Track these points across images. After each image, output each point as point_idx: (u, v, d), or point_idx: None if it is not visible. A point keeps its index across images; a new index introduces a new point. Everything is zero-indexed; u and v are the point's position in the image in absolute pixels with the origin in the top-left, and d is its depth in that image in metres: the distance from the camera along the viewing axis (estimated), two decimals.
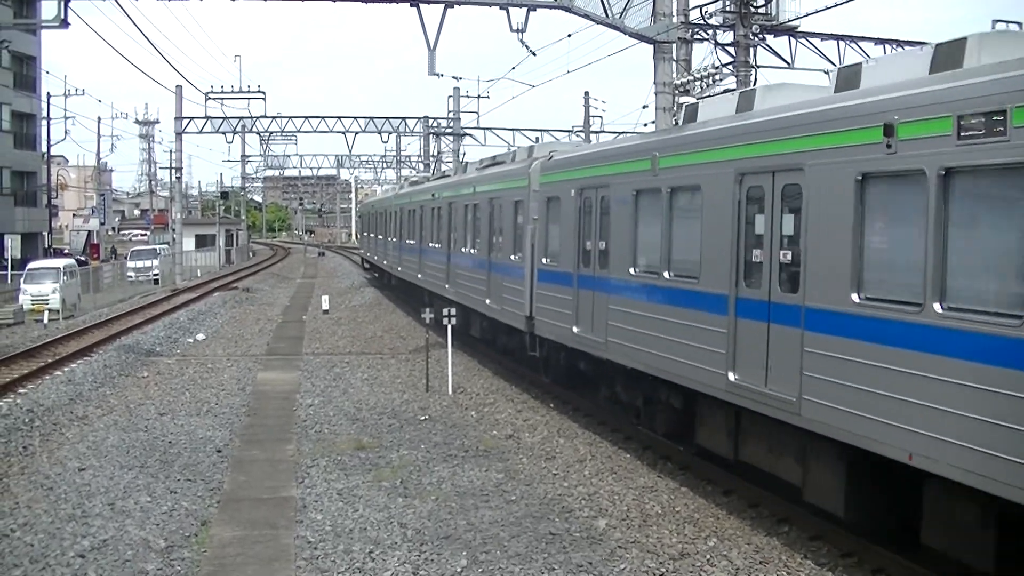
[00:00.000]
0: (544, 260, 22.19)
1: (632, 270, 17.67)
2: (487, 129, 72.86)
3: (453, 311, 25.16)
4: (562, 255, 21.15)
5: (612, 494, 15.58)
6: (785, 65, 38.96)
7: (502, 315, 25.61)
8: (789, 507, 14.25)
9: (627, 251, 17.94)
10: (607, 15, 30.60)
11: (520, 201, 24.21)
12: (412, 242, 40.89)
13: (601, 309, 18.91)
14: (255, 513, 14.76)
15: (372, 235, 62.37)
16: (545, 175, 22.62)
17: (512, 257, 24.65)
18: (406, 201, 44.51)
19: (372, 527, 13.92)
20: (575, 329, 20.14)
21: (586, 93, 70.16)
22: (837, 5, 30.33)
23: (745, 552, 12.98)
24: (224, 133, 72.93)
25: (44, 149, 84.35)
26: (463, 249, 30.33)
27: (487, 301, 26.74)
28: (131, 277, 66.64)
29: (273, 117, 73.52)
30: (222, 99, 69.69)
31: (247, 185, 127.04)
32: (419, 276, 38.52)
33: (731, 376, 14.08)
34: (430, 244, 36.22)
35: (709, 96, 31.34)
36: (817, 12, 34.64)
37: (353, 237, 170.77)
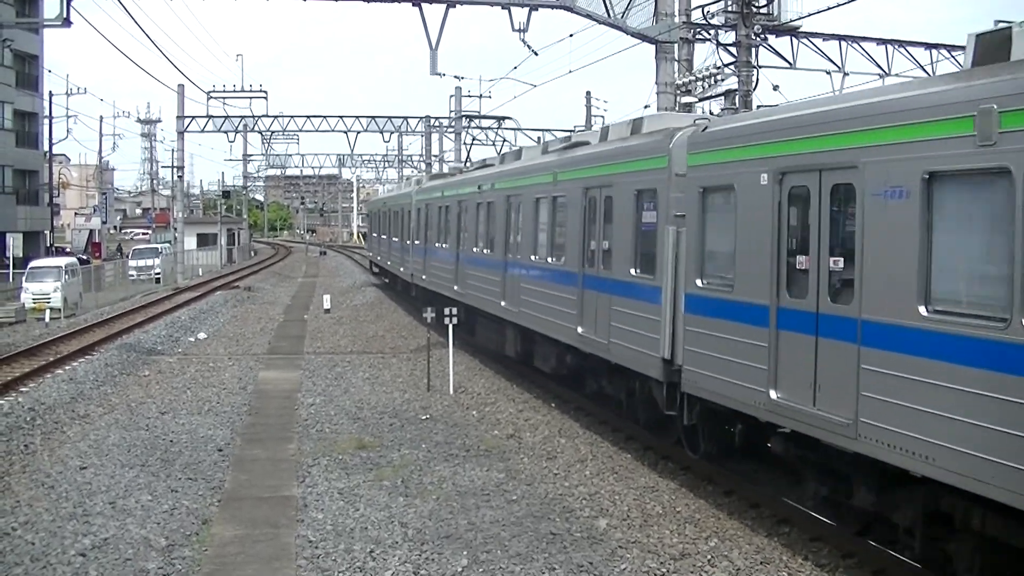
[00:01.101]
0: (700, 281, 15.40)
1: (924, 307, 10.60)
2: (488, 129, 72.90)
3: (455, 310, 25.13)
4: (743, 276, 14.17)
5: (613, 494, 15.58)
6: (787, 65, 38.95)
7: (606, 351, 18.70)
8: (790, 508, 14.25)
9: (907, 271, 10.82)
10: (609, 15, 30.63)
11: (648, 192, 17.27)
12: (444, 246, 34.13)
13: (842, 367, 11.86)
14: (256, 512, 14.76)
15: (383, 236, 55.07)
16: (700, 153, 15.62)
17: (632, 272, 17.64)
18: (434, 196, 37.07)
19: (373, 526, 13.92)
20: (776, 394, 13.25)
21: (588, 93, 70.09)
22: (839, 5, 30.24)
23: (746, 552, 12.98)
24: (226, 132, 73.03)
25: (46, 148, 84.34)
26: (532, 257, 23.49)
27: (579, 329, 19.98)
28: (133, 276, 66.69)
29: (275, 116, 73.61)
30: (224, 98, 69.92)
31: (249, 184, 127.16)
32: (455, 288, 31.21)
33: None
34: (473, 249, 29.44)
35: (711, 96, 31.38)
36: (819, 12, 34.66)
37: (355, 236, 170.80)
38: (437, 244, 35.59)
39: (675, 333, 15.91)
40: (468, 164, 37.91)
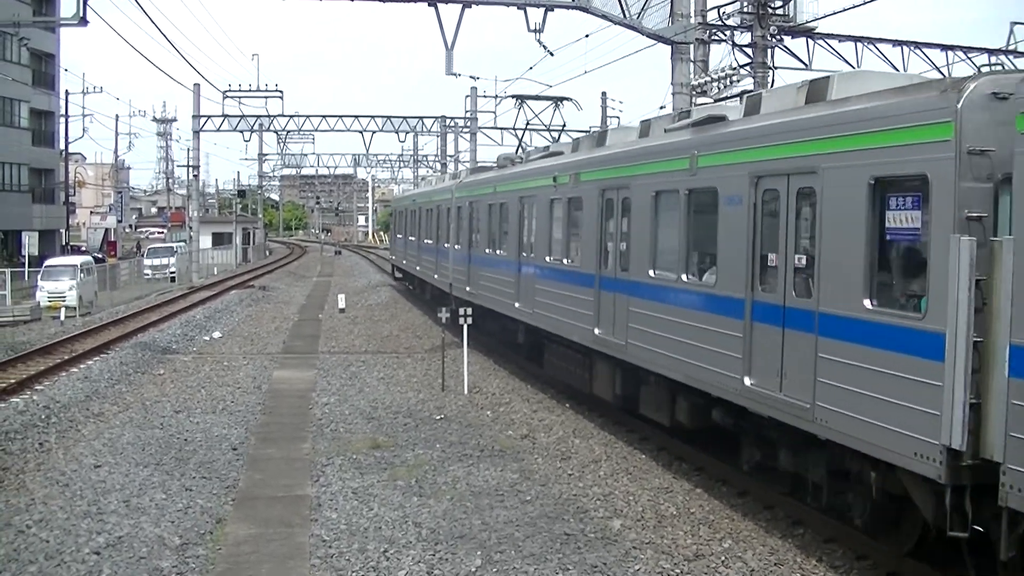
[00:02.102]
0: None
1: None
2: (504, 129, 72.90)
3: (469, 311, 25.07)
4: None
5: (627, 495, 15.56)
6: (803, 66, 38.89)
7: (806, 418, 12.71)
8: (804, 509, 14.21)
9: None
10: (625, 15, 30.59)
11: (904, 181, 11.34)
12: (499, 253, 28.08)
13: None
14: (270, 511, 14.78)
15: (410, 238, 49.07)
16: None
17: (867, 304, 11.70)
18: (483, 192, 30.87)
19: (387, 526, 13.92)
20: None
21: (603, 93, 70.04)
22: (855, 7, 30.21)
23: (760, 554, 12.95)
24: (241, 131, 73.18)
25: (62, 146, 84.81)
26: (651, 273, 17.52)
27: (747, 380, 13.99)
28: (148, 275, 66.92)
29: (290, 116, 73.72)
30: (240, 97, 69.97)
31: (264, 183, 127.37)
32: (517, 305, 25.59)
33: None
34: (547, 259, 23.42)
35: (726, 97, 31.29)
36: (835, 13, 34.58)
37: (370, 236, 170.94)
38: (489, 250, 29.30)
39: (982, 408, 10.04)
40: (521, 154, 31.24)
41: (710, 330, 15.15)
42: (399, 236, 56.41)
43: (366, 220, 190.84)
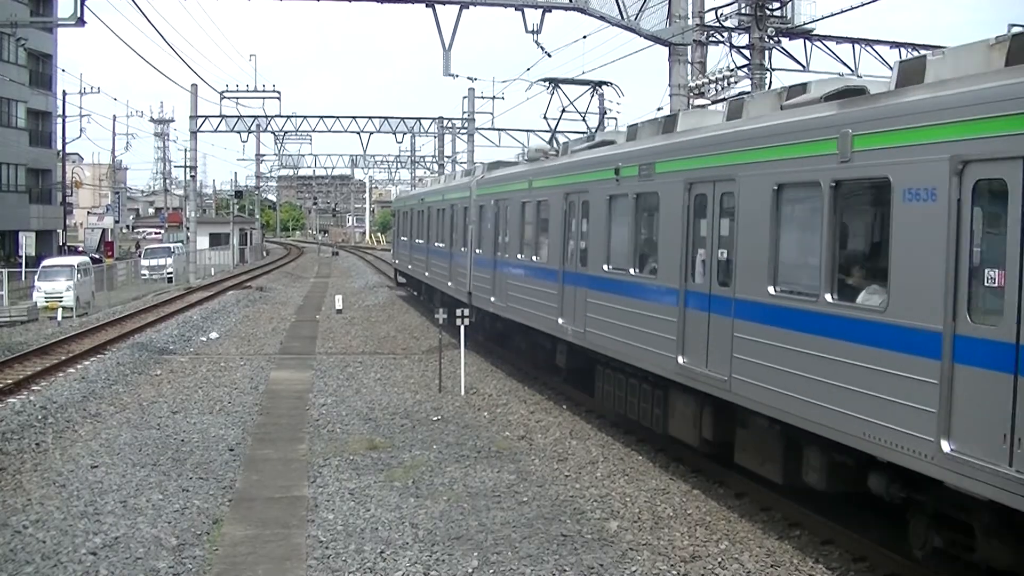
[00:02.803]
0: None
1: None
2: (501, 130, 72.95)
3: (467, 311, 25.07)
4: None
5: (624, 496, 15.57)
6: (800, 68, 38.93)
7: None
8: (801, 511, 14.22)
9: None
10: (622, 17, 30.59)
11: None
12: (538, 260, 24.03)
13: None
14: (267, 512, 14.77)
15: (417, 240, 44.81)
16: None
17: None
18: (512, 189, 26.87)
19: (384, 527, 13.92)
20: None
21: (601, 95, 70.00)
22: (853, 8, 30.24)
23: (757, 555, 12.95)
24: (239, 132, 73.10)
25: (59, 147, 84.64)
26: (773, 289, 13.62)
27: (944, 447, 10.23)
28: (145, 275, 66.92)
29: (288, 116, 73.66)
30: (237, 98, 69.98)
31: (261, 184, 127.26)
32: (559, 322, 21.83)
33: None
34: (604, 268, 19.66)
35: (725, 99, 31.33)
36: (833, 15, 34.62)
37: (367, 237, 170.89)
38: (522, 256, 25.43)
39: None
40: (553, 146, 27.30)
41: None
42: (403, 238, 51.53)
43: (357, 221, 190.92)
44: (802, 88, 14.28)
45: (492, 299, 27.85)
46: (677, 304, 16.15)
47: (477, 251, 30.44)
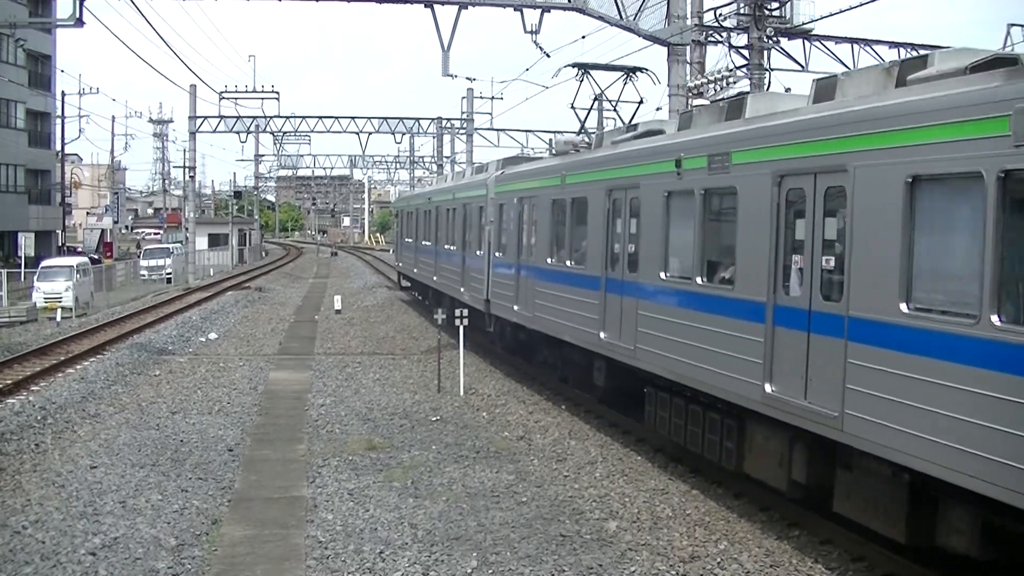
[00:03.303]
0: None
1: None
2: (500, 130, 73.04)
3: (465, 312, 25.06)
4: None
5: (623, 496, 15.57)
6: (799, 68, 38.97)
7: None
8: (800, 511, 14.22)
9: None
10: (621, 17, 30.60)
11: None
12: (574, 266, 21.41)
13: None
14: (266, 512, 14.77)
15: (423, 243, 41.74)
16: None
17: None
18: (543, 185, 23.94)
19: (383, 527, 13.92)
20: None
21: (600, 94, 70.05)
22: (852, 8, 30.27)
23: (756, 556, 12.95)
24: (238, 133, 73.17)
25: (58, 147, 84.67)
26: (906, 307, 11.12)
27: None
28: (144, 276, 66.91)
29: (287, 117, 73.73)
30: (236, 99, 69.97)
31: (260, 185, 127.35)
32: (601, 336, 19.32)
33: None
34: (662, 275, 17.02)
35: (722, 99, 31.32)
36: (832, 15, 34.64)
37: (366, 237, 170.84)
38: (553, 260, 22.88)
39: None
40: (584, 138, 24.80)
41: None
42: (407, 240, 48.24)
43: (353, 221, 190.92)
44: (922, 62, 12.26)
45: (515, 308, 25.29)
46: (763, 321, 13.56)
47: (496, 254, 27.87)
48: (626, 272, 18.52)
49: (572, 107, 27.66)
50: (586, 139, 24.48)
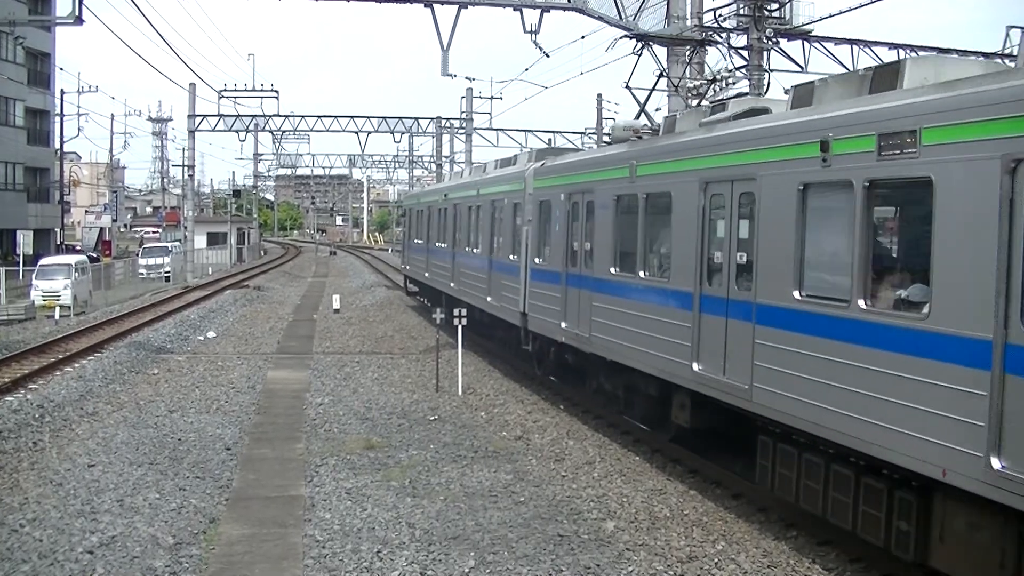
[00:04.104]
0: None
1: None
2: (500, 130, 73.02)
3: (463, 311, 25.04)
4: None
5: (621, 496, 15.57)
6: (799, 69, 38.93)
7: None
8: (798, 512, 14.22)
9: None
10: (621, 17, 30.60)
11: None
12: (649, 277, 17.98)
13: None
14: (264, 511, 14.77)
15: (439, 245, 37.34)
16: None
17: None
18: (600, 178, 20.32)
19: (380, 526, 13.92)
20: None
21: (599, 95, 70.21)
22: (851, 10, 30.26)
23: (753, 556, 12.96)
24: (237, 131, 73.10)
25: (57, 146, 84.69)
26: None
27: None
28: (142, 274, 66.87)
29: (286, 116, 73.66)
30: (235, 97, 69.90)
31: (259, 183, 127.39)
32: (695, 368, 15.74)
33: None
34: (801, 296, 13.17)
35: (723, 99, 31.22)
36: (831, 16, 34.66)
37: (365, 236, 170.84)
38: (617, 271, 19.16)
39: None
40: (647, 124, 21.25)
41: None
42: (417, 241, 43.90)
43: (348, 219, 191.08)
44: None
45: (563, 325, 21.56)
46: (987, 367, 9.84)
47: (536, 260, 23.81)
48: (734, 289, 14.80)
49: (627, 86, 24.17)
50: (649, 125, 21.20)
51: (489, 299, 27.95)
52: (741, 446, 15.90)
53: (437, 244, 37.58)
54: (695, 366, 15.68)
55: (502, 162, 31.75)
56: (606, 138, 22.34)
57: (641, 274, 18.16)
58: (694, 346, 15.67)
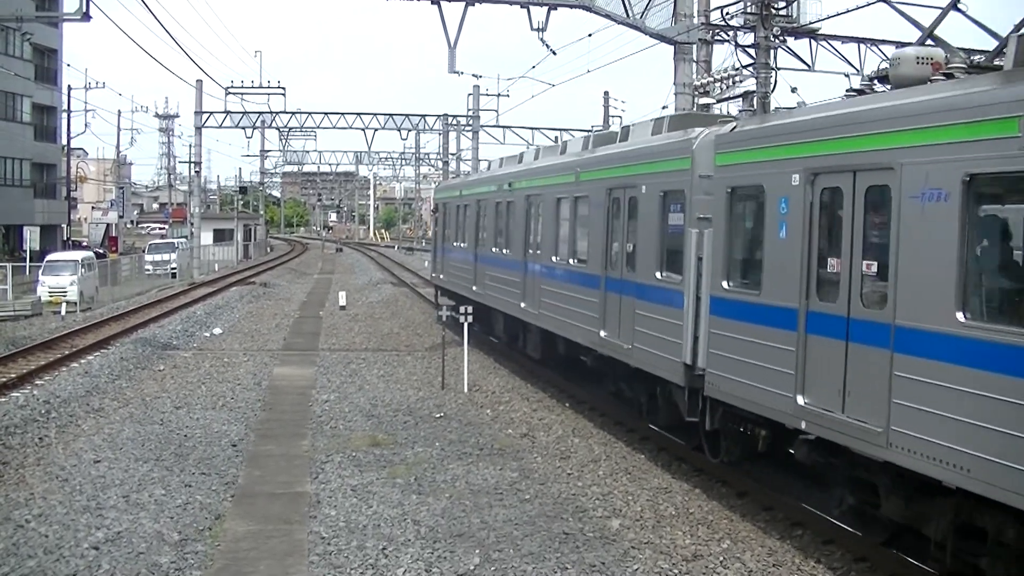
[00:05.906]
0: None
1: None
2: (506, 127, 73.02)
3: (470, 308, 25.00)
4: None
5: (626, 494, 15.56)
6: (806, 67, 38.87)
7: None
8: (803, 511, 14.21)
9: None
10: (628, 15, 30.61)
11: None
12: (828, 307, 12.22)
13: None
14: (269, 508, 14.78)
15: (492, 251, 29.30)
16: None
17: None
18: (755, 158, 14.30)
19: (386, 524, 13.92)
20: None
21: (606, 93, 70.01)
22: (858, 8, 30.20)
23: (758, 555, 12.94)
24: (243, 128, 73.35)
25: (64, 142, 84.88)
26: None
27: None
28: (149, 270, 66.96)
29: (293, 113, 73.86)
30: (242, 94, 70.16)
31: (266, 180, 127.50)
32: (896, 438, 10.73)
33: None
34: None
35: (729, 98, 31.23)
36: (839, 15, 34.60)
37: (371, 233, 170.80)
38: (756, 293, 14.07)
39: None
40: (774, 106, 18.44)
41: None
42: (458, 244, 34.85)
43: (339, 218, 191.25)
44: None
45: (799, 399, 12.81)
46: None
47: (725, 285, 15.09)
48: (858, 306, 11.68)
49: (704, 71, 21.83)
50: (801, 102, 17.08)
51: (603, 334, 19.75)
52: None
53: (492, 250, 29.34)
54: (800, 399, 12.66)
55: (542, 150, 27.55)
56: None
57: (826, 305, 12.55)
58: (881, 399, 11.06)
